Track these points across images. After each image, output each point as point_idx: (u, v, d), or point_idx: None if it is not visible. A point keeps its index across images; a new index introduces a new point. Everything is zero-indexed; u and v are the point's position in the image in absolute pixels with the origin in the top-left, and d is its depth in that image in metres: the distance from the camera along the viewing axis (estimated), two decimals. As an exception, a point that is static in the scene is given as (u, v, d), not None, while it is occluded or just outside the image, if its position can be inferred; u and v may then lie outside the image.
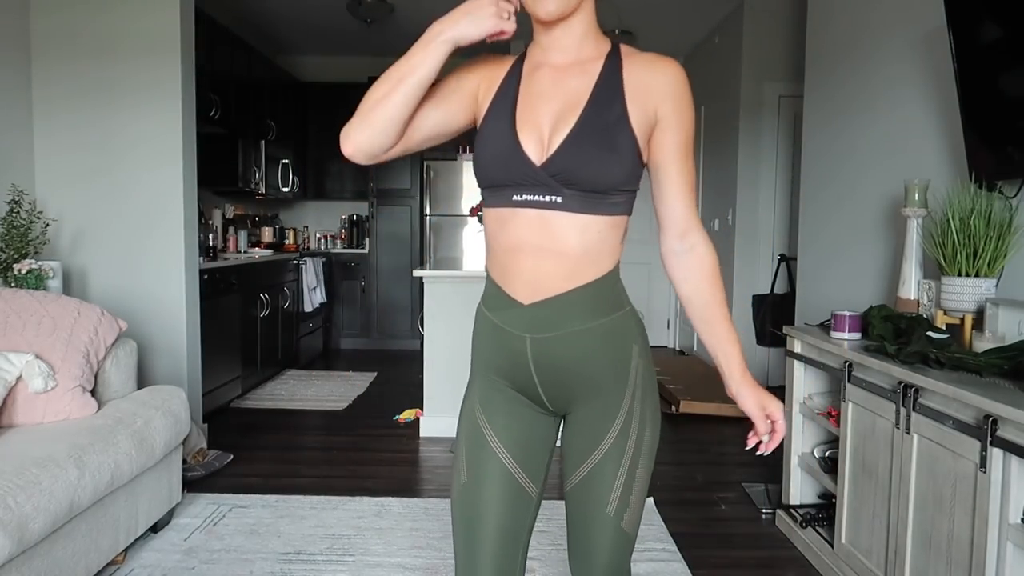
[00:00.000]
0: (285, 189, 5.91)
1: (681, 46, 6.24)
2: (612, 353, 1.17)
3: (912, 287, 2.36)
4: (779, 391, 3.49)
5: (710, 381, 4.88)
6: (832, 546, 2.34)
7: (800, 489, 2.69)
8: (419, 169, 6.39)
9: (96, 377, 2.47)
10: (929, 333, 2.03)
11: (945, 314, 2.15)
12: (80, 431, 2.15)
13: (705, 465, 3.48)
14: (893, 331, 2.13)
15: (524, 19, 1.11)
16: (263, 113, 5.43)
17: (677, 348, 6.79)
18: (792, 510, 2.65)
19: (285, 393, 4.78)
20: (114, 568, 2.30)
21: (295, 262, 5.56)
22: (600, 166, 1.06)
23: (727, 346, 1.18)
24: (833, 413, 2.42)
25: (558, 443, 1.25)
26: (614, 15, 5.21)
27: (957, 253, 2.11)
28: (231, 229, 5.38)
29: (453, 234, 6.21)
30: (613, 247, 1.14)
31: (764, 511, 2.88)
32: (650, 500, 2.95)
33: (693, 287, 1.19)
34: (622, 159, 1.07)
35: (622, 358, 1.17)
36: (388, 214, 6.40)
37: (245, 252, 5.29)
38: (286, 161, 5.89)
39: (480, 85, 1.16)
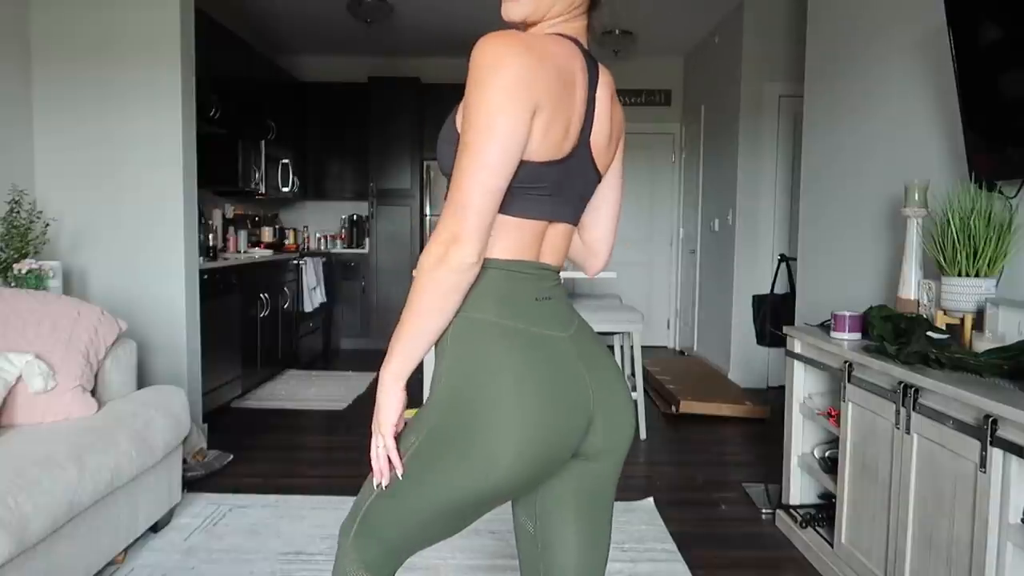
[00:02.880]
0: (285, 189, 5.91)
1: (681, 46, 6.24)
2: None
3: (912, 287, 2.36)
4: (779, 391, 3.51)
5: (710, 381, 4.88)
6: (832, 546, 2.34)
7: (800, 489, 2.69)
8: (419, 169, 6.39)
9: (96, 377, 2.47)
10: (929, 333, 2.03)
11: (945, 314, 2.15)
12: (80, 431, 2.15)
13: (705, 465, 3.48)
14: (893, 331, 2.13)
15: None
16: (263, 113, 5.43)
17: (677, 348, 6.80)
18: (792, 510, 2.65)
19: (285, 393, 4.78)
20: (114, 568, 2.30)
21: (295, 262, 5.56)
22: (441, 158, 1.09)
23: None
24: (833, 413, 2.43)
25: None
26: (609, 14, 5.19)
27: (957, 253, 2.11)
28: (231, 229, 5.38)
29: (453, 234, 6.20)
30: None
31: (764, 511, 2.88)
32: (650, 500, 2.96)
33: None
34: (451, 149, 1.03)
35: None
36: (388, 214, 6.41)
37: (245, 252, 5.29)
38: (286, 161, 5.89)
39: None
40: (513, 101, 0.95)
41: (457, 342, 1.05)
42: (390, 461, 1.08)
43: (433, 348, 1.08)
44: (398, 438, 1.10)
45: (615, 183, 1.26)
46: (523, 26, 1.11)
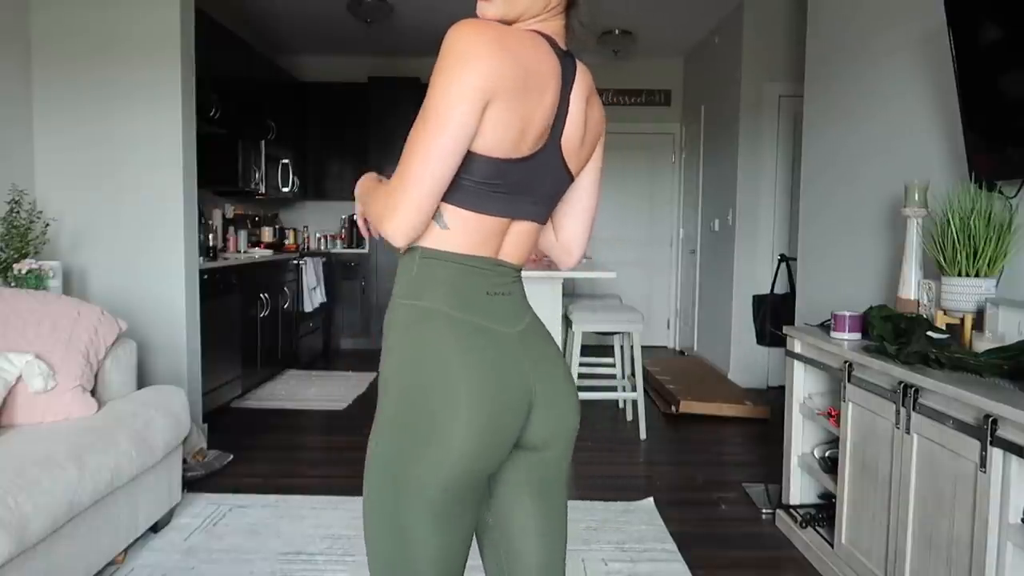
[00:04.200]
0: (285, 189, 5.91)
1: (681, 46, 6.24)
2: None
3: (912, 287, 2.36)
4: (779, 391, 3.51)
5: (710, 381, 4.88)
6: (832, 546, 2.34)
7: (800, 489, 2.69)
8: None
9: (96, 377, 2.47)
10: (929, 333, 2.03)
11: (945, 314, 2.15)
12: (80, 431, 2.15)
13: (705, 465, 3.48)
14: (893, 331, 2.13)
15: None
16: (263, 113, 5.43)
17: (677, 348, 6.80)
18: (792, 510, 2.65)
19: (285, 393, 4.78)
20: (114, 568, 2.30)
21: (295, 262, 5.56)
22: None
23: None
24: (833, 413, 2.43)
25: None
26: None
27: (957, 253, 2.11)
28: (231, 229, 5.38)
29: (453, 234, 6.20)
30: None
31: (764, 511, 2.88)
32: (650, 500, 2.96)
33: None
34: None
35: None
36: (388, 214, 6.39)
37: (245, 252, 5.29)
38: (286, 161, 5.89)
39: None
40: (469, 90, 0.96)
41: (406, 329, 1.08)
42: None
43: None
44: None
45: (589, 184, 1.25)
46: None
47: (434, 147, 0.98)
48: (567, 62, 1.11)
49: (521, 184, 1.08)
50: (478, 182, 1.04)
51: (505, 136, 1.02)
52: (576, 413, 1.20)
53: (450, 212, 1.06)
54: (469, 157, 1.02)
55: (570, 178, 1.17)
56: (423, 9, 5.29)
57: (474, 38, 0.97)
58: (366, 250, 6.48)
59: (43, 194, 3.33)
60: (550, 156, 1.10)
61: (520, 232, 1.14)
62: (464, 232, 1.07)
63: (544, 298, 3.32)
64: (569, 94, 1.10)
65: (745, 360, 5.12)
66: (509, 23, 1.09)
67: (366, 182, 1.23)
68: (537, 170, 1.09)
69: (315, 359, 6.00)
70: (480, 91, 0.96)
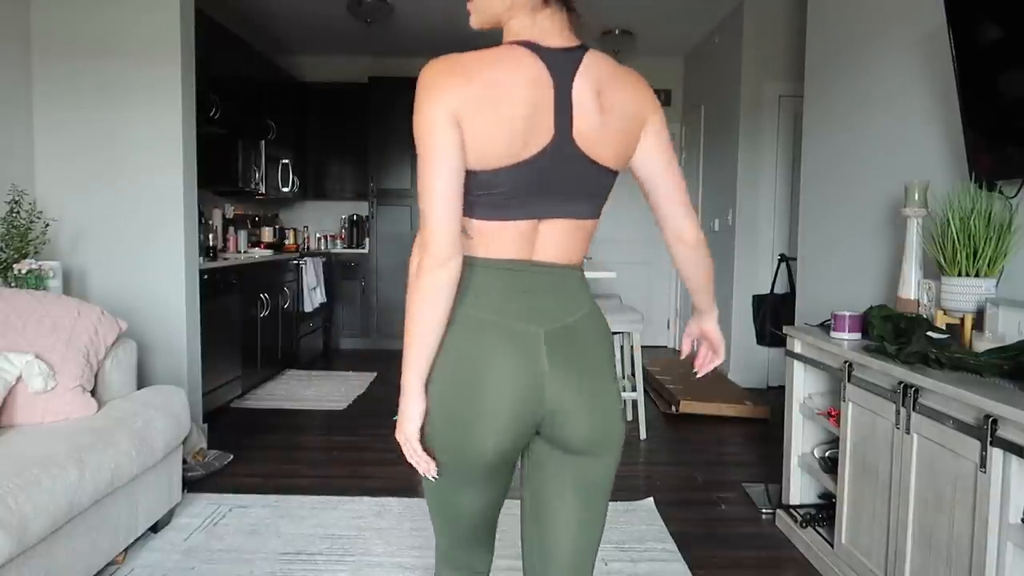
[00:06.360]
0: (285, 189, 5.91)
1: (681, 46, 6.24)
2: None
3: (912, 287, 2.36)
4: (779, 391, 3.51)
5: (710, 381, 4.88)
6: (832, 546, 2.34)
7: (800, 489, 2.69)
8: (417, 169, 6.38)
9: (96, 377, 2.47)
10: (929, 333, 2.03)
11: (945, 314, 2.15)
12: (80, 431, 2.15)
13: (705, 465, 3.48)
14: (893, 331, 2.13)
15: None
16: (263, 113, 5.43)
17: (677, 348, 6.79)
18: (792, 510, 2.65)
19: (285, 393, 4.78)
20: (114, 568, 2.30)
21: (295, 262, 5.56)
22: None
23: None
24: (833, 413, 2.43)
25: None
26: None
27: (957, 253, 2.11)
28: (231, 229, 5.38)
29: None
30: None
31: (764, 511, 2.88)
32: (650, 500, 2.96)
33: None
34: None
35: None
36: (388, 214, 6.40)
37: (245, 252, 5.29)
38: (286, 161, 5.89)
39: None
40: (437, 116, 1.06)
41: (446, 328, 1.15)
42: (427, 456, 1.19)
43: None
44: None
45: (658, 169, 1.22)
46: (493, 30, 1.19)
47: (431, 174, 1.07)
48: (564, 57, 1.11)
49: (535, 185, 1.11)
50: (482, 194, 1.11)
51: (490, 146, 1.07)
52: (616, 420, 1.22)
53: (472, 224, 1.14)
54: (468, 175, 1.09)
55: (603, 169, 1.16)
56: (423, 9, 5.28)
57: (433, 72, 1.07)
58: (366, 250, 6.49)
59: (43, 194, 3.32)
60: (562, 153, 1.11)
61: (555, 231, 1.16)
62: (486, 239, 1.14)
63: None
64: (570, 88, 1.10)
65: (745, 360, 5.12)
66: (498, 28, 1.17)
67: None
68: (550, 169, 1.11)
69: (315, 359, 6.00)
70: (447, 114, 1.05)
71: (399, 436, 1.17)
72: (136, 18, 3.32)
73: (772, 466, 3.09)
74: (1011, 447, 1.51)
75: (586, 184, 1.16)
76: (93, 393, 2.43)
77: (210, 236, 4.65)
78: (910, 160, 2.69)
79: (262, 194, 5.47)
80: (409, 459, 1.19)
